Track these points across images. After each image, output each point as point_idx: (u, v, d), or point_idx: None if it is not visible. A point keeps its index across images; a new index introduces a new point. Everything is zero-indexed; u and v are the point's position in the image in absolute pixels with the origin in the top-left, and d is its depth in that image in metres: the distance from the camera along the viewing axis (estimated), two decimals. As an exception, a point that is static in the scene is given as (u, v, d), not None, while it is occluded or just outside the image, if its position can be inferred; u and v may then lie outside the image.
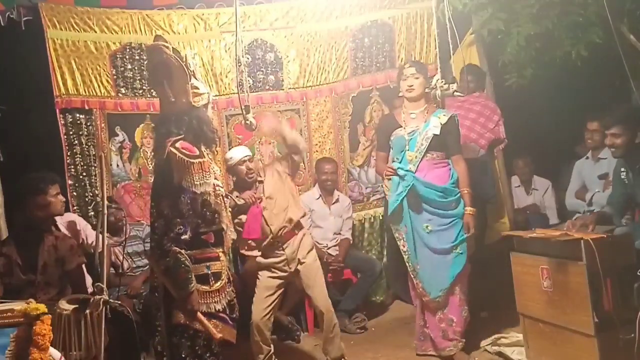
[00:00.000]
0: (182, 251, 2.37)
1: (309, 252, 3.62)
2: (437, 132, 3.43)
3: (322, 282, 3.63)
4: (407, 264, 3.57)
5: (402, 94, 3.60)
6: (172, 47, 2.53)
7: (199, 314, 2.41)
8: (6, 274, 3.03)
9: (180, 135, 2.47)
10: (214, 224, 2.52)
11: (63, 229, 3.71)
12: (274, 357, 3.55)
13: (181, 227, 2.38)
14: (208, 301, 2.48)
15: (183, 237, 2.38)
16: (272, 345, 3.55)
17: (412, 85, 3.50)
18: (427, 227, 3.47)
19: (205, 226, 2.51)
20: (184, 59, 2.50)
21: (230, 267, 2.77)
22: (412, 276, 3.57)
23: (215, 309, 2.50)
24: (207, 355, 2.48)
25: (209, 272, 2.49)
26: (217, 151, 2.66)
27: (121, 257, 4.12)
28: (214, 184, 2.49)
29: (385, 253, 4.82)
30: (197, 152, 2.47)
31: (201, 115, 2.52)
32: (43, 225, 3.17)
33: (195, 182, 2.41)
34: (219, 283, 2.51)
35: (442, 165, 3.52)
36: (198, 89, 2.51)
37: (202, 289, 2.47)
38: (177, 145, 2.44)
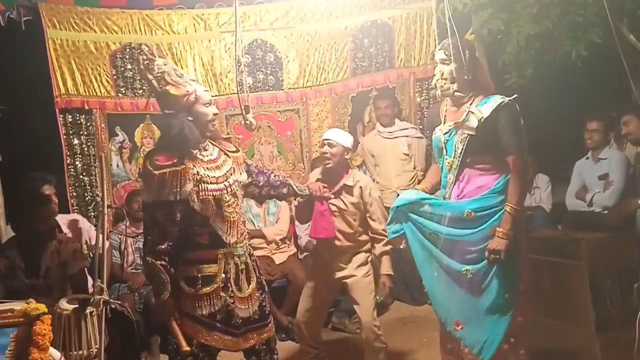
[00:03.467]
0: (159, 262, 2.36)
1: (359, 266, 3.26)
2: (472, 132, 2.62)
3: (372, 300, 3.25)
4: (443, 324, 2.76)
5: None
6: (147, 56, 2.50)
7: (172, 322, 2.39)
8: (8, 277, 3.03)
9: (158, 147, 2.49)
10: (208, 226, 2.49)
11: (64, 228, 3.72)
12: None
13: (157, 237, 2.37)
14: (192, 304, 2.44)
15: (159, 247, 2.36)
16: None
17: (441, 73, 2.74)
18: (467, 271, 2.64)
19: (198, 228, 2.49)
20: (153, 67, 2.47)
21: (255, 269, 2.68)
22: (447, 336, 2.76)
23: (199, 314, 2.44)
24: (186, 355, 2.46)
25: (199, 275, 2.45)
26: (205, 154, 2.57)
27: (130, 249, 4.16)
28: (196, 190, 2.42)
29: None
30: (174, 161, 2.40)
31: (170, 122, 2.45)
32: (47, 237, 3.17)
33: (166, 192, 2.37)
34: (207, 287, 2.44)
35: (489, 172, 2.68)
36: (171, 94, 2.45)
37: (188, 291, 2.43)
38: (153, 157, 2.41)
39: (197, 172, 2.44)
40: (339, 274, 3.28)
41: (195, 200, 2.42)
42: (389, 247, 3.21)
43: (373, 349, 3.22)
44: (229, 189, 2.52)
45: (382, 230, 3.19)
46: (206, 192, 2.45)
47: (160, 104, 2.51)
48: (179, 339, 2.38)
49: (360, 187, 3.23)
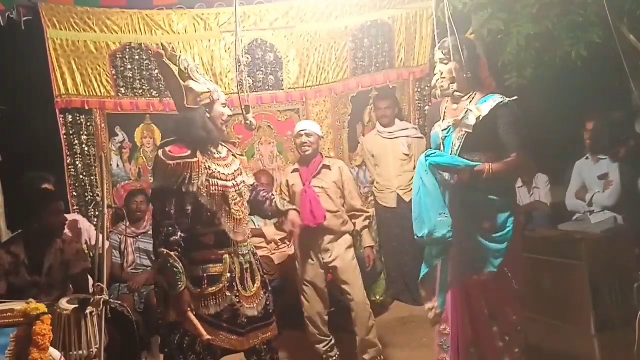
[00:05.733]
0: (174, 253, 2.36)
1: (347, 248, 3.56)
2: (469, 129, 2.59)
3: (360, 279, 3.58)
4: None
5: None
6: (169, 51, 2.52)
7: (188, 313, 2.39)
8: (12, 273, 3.03)
9: (172, 138, 2.49)
10: (213, 225, 2.50)
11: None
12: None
13: (170, 228, 2.38)
14: (197, 304, 2.44)
15: (172, 238, 2.37)
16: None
17: (440, 73, 2.72)
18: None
19: (202, 228, 2.49)
20: (177, 62, 2.50)
21: (260, 268, 2.69)
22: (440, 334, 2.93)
23: (205, 314, 2.45)
24: (190, 353, 2.48)
25: (204, 274, 2.46)
26: (216, 151, 2.62)
27: (130, 249, 4.17)
28: (207, 184, 2.46)
29: (382, 253, 4.81)
30: (187, 153, 2.45)
31: (192, 116, 2.49)
32: (58, 232, 3.17)
33: (178, 183, 2.40)
34: (213, 287, 2.46)
35: None
36: (193, 89, 2.50)
37: (194, 291, 2.44)
38: (167, 148, 2.46)
39: (209, 166, 2.49)
40: (326, 257, 3.51)
41: (204, 194, 2.45)
42: (367, 222, 3.68)
43: (365, 326, 3.46)
44: (236, 188, 2.57)
45: (360, 206, 3.68)
46: (216, 187, 2.50)
47: (177, 99, 2.54)
48: (198, 329, 2.40)
49: (339, 167, 3.63)
